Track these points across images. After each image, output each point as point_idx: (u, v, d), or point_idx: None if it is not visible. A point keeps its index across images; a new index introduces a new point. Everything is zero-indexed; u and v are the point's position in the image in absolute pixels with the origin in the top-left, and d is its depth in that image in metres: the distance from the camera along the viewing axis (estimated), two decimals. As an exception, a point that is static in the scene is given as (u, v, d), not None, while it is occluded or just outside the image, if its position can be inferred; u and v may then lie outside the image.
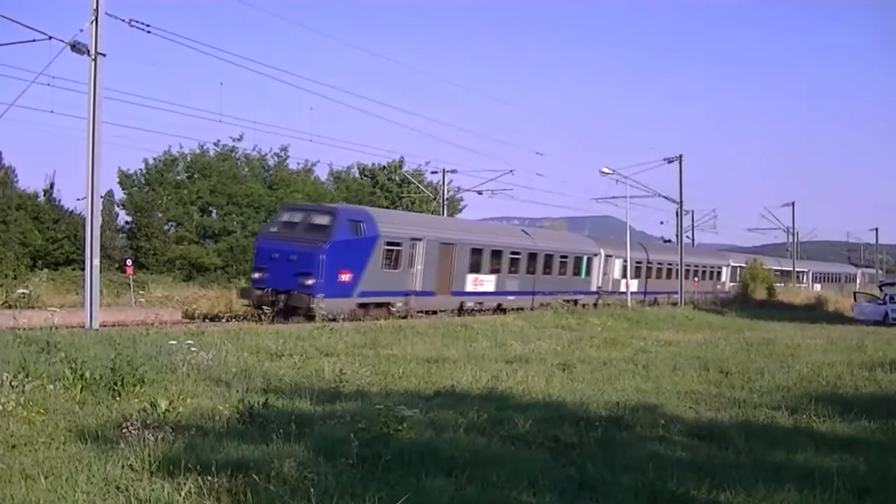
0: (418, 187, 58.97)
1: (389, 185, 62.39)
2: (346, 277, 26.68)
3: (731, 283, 59.90)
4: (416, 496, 6.19)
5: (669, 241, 65.33)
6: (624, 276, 45.50)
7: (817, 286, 79.16)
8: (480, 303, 33.87)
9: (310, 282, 25.33)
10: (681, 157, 48.61)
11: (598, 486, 6.85)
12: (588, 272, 42.79)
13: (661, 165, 48.37)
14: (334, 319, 22.05)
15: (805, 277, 78.86)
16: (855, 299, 44.19)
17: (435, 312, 30.08)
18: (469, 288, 33.34)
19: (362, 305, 27.49)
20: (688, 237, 63.12)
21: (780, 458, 8.23)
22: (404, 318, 27.52)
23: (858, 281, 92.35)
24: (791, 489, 6.89)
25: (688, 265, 51.91)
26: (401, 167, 61.86)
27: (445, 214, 53.76)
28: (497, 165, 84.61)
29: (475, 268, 33.59)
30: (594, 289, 43.10)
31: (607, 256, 44.96)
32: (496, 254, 35.01)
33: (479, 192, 53.15)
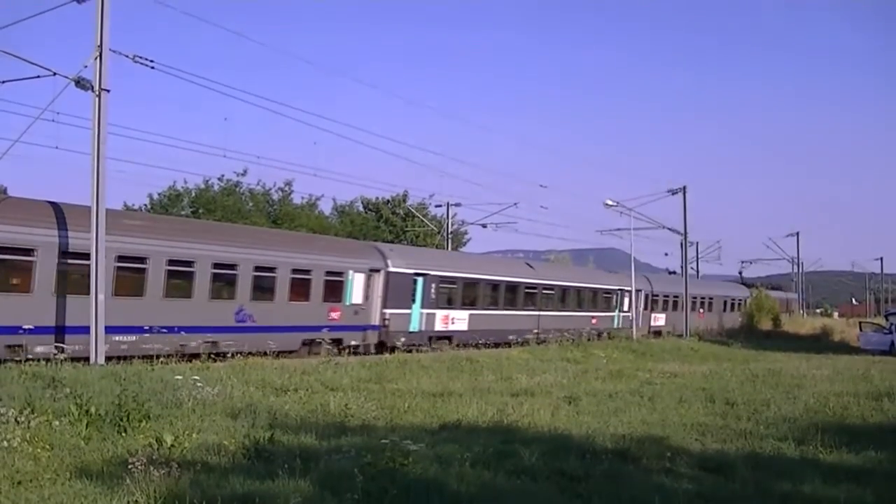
0: (423, 221, 59.14)
1: (394, 219, 62.64)
2: None
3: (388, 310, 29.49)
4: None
5: (674, 272, 65.11)
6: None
7: (661, 316, 48.98)
8: None
9: None
10: (685, 188, 48.79)
11: (605, 519, 6.84)
12: None
13: (665, 197, 48.52)
14: None
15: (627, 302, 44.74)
16: (861, 329, 44.17)
17: None
18: None
19: None
20: (692, 268, 62.49)
21: (786, 489, 8.20)
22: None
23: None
24: (798, 521, 6.87)
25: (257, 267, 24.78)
26: (405, 201, 62.18)
27: (450, 248, 53.81)
28: (501, 198, 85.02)
29: None
30: None
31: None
32: None
33: (484, 226, 53.30)
